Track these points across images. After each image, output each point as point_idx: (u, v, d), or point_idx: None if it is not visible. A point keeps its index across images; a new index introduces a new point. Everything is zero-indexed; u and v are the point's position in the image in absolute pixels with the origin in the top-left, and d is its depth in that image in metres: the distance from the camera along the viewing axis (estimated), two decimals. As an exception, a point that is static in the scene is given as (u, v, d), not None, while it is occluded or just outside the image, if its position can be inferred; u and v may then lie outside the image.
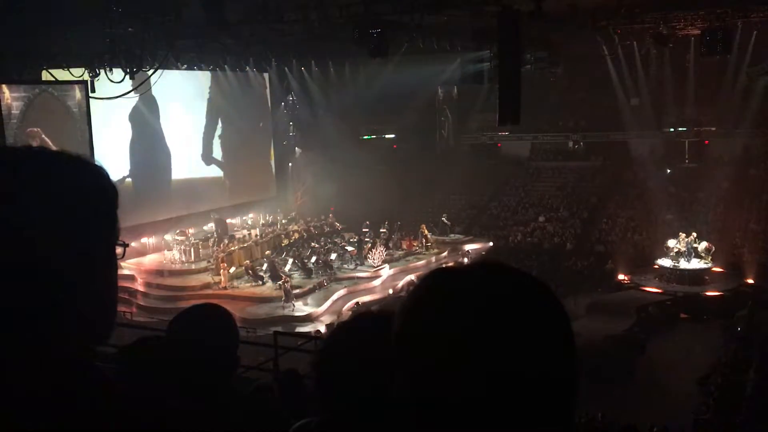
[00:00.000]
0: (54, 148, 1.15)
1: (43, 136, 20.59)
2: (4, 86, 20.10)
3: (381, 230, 28.53)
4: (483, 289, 0.97)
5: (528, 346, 0.94)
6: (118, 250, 1.13)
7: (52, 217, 1.01)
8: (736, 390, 16.34)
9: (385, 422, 1.49)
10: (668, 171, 34.36)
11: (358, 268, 25.52)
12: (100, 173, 1.12)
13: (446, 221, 30.98)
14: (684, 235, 26.81)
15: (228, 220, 28.75)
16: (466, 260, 26.65)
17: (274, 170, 33.42)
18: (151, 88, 24.20)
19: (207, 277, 23.99)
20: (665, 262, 26.76)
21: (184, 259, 25.61)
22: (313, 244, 26.69)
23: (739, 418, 14.87)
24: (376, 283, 24.75)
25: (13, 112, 20.21)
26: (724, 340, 21.00)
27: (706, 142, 34.78)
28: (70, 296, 1.02)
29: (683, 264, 26.33)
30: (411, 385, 0.96)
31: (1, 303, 0.98)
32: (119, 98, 22.37)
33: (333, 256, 25.48)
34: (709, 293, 25.38)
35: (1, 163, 1.05)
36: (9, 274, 0.98)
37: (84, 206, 1.06)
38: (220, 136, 30.82)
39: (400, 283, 24.77)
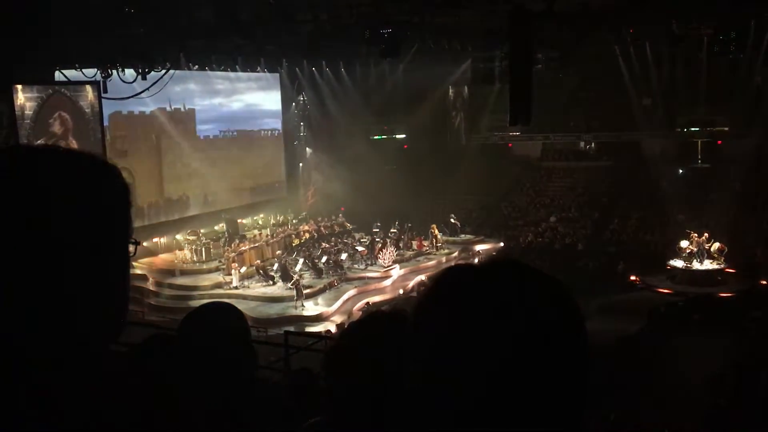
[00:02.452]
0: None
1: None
2: (17, 86, 20.23)
3: (391, 230, 28.53)
4: (497, 287, 0.97)
5: (541, 344, 0.93)
6: (130, 248, 1.14)
7: (66, 214, 1.02)
8: (749, 392, 16.22)
9: (395, 421, 1.49)
10: (680, 171, 34.13)
11: (369, 268, 25.54)
12: (113, 172, 1.12)
13: (454, 221, 30.91)
14: (696, 235, 26.66)
15: (239, 220, 28.82)
16: (476, 260, 26.60)
17: (284, 170, 33.47)
18: (162, 88, 24.34)
19: (218, 277, 24.07)
20: (677, 262, 26.62)
21: (195, 258, 25.69)
22: (323, 244, 26.70)
23: (753, 419, 14.76)
24: (387, 283, 24.76)
25: (26, 112, 20.34)
26: (737, 341, 20.85)
27: (719, 142, 34.52)
28: (82, 294, 1.03)
29: (695, 265, 26.19)
30: (423, 382, 0.96)
31: (14, 300, 0.98)
32: (131, 98, 22.52)
33: (343, 256, 25.50)
34: (721, 294, 25.22)
35: (17, 161, 1.06)
36: (22, 271, 0.98)
37: (97, 204, 1.07)
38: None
39: (411, 284, 24.78)
